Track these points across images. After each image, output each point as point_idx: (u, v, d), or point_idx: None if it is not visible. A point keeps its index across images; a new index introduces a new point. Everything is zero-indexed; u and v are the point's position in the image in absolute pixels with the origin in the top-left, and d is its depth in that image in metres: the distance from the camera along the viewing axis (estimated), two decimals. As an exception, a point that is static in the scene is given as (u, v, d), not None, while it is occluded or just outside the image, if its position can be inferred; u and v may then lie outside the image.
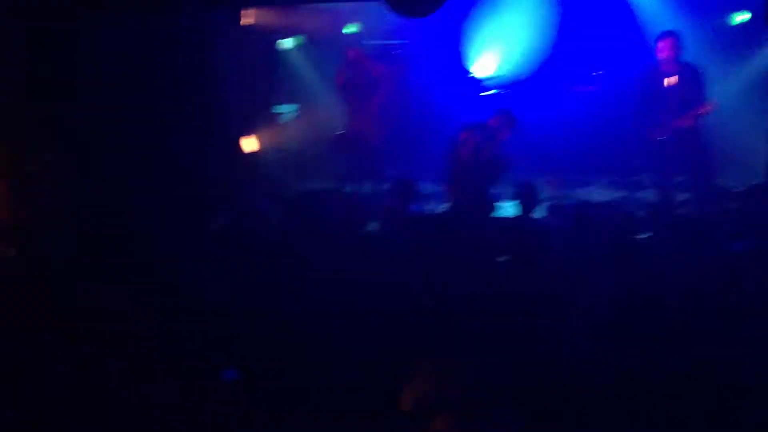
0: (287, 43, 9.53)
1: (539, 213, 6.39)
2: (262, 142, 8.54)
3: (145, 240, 5.82)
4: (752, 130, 8.35)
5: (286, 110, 9.46)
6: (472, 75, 10.00)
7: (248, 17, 8.18)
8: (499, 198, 7.68)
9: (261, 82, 8.66)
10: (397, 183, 6.47)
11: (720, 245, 5.65)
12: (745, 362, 4.17)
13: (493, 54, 9.90)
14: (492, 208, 7.52)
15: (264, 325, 4.45)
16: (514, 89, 9.86)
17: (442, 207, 7.56)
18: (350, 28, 9.65)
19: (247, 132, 8.18)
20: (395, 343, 4.14)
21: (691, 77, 7.47)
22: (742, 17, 8.72)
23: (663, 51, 7.40)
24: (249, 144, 8.08)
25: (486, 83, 9.96)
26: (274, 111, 9.11)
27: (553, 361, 4.18)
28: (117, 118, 6.60)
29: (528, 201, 6.23)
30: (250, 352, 4.20)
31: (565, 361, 4.16)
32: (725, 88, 9.10)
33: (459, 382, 3.46)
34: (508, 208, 7.05)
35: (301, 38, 9.69)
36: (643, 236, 5.56)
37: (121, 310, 4.37)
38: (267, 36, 8.66)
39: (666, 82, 7.39)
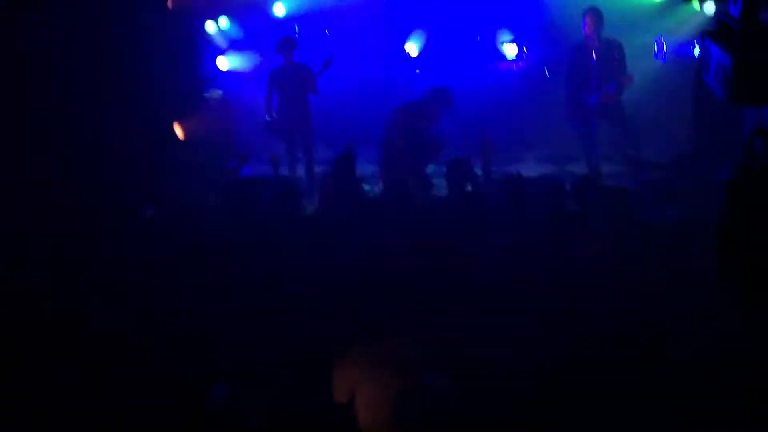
0: (214, 26, 9.31)
1: (473, 189, 6.47)
2: (191, 128, 8.41)
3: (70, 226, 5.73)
4: (675, 102, 8.60)
5: (215, 95, 9.32)
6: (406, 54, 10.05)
7: None
8: (433, 176, 7.79)
9: (188, 66, 8.47)
10: (335, 165, 6.47)
11: (646, 213, 5.86)
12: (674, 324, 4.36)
13: (421, 33, 9.99)
14: (428, 186, 7.62)
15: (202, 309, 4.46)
16: (445, 67, 9.93)
17: (378, 187, 7.62)
18: (279, 10, 9.54)
19: (176, 117, 8.04)
20: (335, 323, 4.20)
21: (613, 51, 7.71)
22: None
23: (587, 26, 7.59)
24: (178, 130, 7.92)
25: (416, 62, 10.02)
26: (203, 96, 8.96)
27: (491, 336, 4.31)
28: (39, 105, 6.39)
29: (462, 178, 6.30)
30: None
31: (504, 334, 4.29)
32: (648, 61, 9.40)
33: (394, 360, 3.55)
34: (443, 186, 7.14)
35: (227, 20, 9.48)
36: (573, 207, 5.71)
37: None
38: (193, 18, 8.47)
39: (590, 56, 7.58)
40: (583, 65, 7.75)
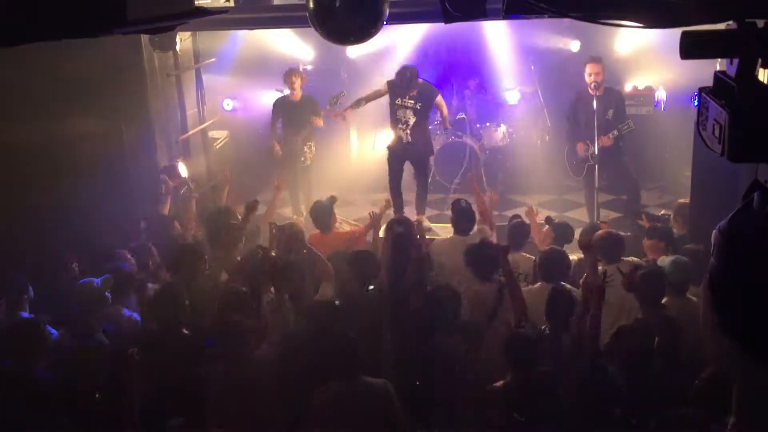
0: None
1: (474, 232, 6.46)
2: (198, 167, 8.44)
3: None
4: (674, 150, 8.69)
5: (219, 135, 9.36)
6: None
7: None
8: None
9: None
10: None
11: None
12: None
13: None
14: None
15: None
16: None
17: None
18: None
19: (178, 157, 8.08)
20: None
21: (613, 101, 7.83)
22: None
23: (589, 74, 7.69)
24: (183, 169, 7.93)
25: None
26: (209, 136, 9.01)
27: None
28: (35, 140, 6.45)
29: (464, 221, 6.31)
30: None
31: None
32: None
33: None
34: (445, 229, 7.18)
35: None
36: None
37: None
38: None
39: (592, 103, 7.66)
40: (584, 114, 7.85)
